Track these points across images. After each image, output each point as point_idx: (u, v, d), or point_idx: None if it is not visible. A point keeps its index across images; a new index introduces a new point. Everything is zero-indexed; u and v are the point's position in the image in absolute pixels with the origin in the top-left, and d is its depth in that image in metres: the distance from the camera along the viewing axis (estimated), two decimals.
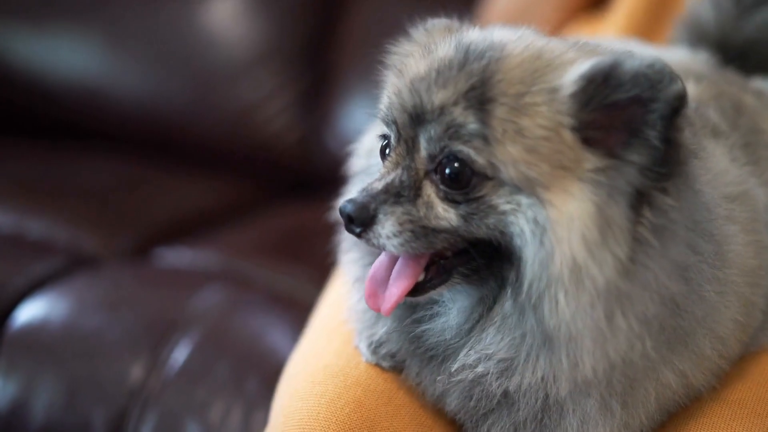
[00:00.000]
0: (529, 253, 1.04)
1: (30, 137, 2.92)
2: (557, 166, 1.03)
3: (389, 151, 1.12)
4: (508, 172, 1.03)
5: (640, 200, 1.03)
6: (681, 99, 0.99)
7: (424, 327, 1.15)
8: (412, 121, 1.08)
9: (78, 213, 2.50)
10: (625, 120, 1.02)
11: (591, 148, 1.03)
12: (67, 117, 2.95)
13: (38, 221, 2.43)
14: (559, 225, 1.02)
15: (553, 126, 1.03)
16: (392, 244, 1.07)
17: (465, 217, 1.06)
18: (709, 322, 1.12)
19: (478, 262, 1.08)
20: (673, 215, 1.03)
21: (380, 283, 1.12)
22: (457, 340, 1.12)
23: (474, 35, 1.11)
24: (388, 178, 1.09)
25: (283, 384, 1.36)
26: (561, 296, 1.02)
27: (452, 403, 1.16)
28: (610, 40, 1.69)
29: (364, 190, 1.09)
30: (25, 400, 1.96)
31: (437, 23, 1.22)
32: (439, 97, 1.06)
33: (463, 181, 1.05)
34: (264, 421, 1.41)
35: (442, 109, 1.06)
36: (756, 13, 1.57)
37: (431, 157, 1.08)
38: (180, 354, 1.95)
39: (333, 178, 2.39)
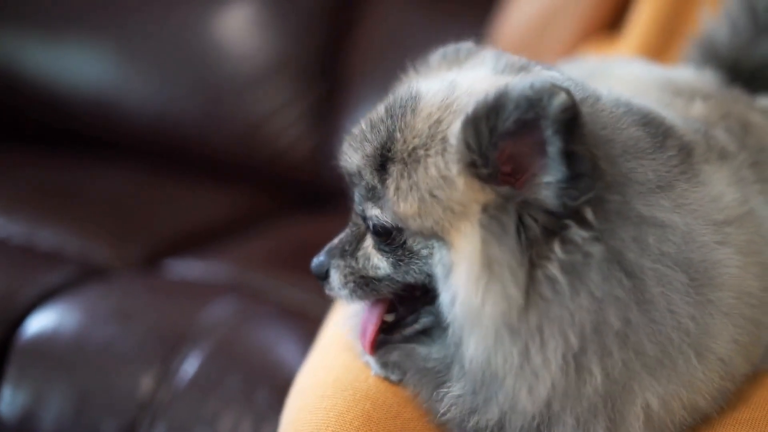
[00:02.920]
0: (442, 295, 1.09)
1: (41, 147, 2.93)
2: (451, 211, 1.06)
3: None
4: (410, 225, 1.09)
5: (552, 235, 1.04)
6: (568, 110, 0.98)
7: (415, 347, 1.20)
8: (350, 181, 1.17)
9: (89, 224, 2.51)
10: (533, 146, 1.02)
11: (502, 184, 1.04)
12: (79, 127, 2.96)
13: (49, 231, 2.43)
14: (457, 266, 1.06)
15: (444, 174, 1.06)
16: (342, 295, 1.19)
17: (395, 265, 1.14)
18: (697, 346, 1.12)
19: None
20: (589, 248, 1.03)
21: (363, 326, 1.22)
22: (441, 372, 1.16)
23: (405, 89, 1.15)
24: (342, 235, 1.21)
25: (292, 397, 1.36)
26: (470, 337, 1.06)
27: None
28: (620, 59, 1.69)
29: (327, 246, 1.21)
30: (35, 411, 1.96)
31: (441, 54, 1.26)
32: (354, 160, 1.14)
33: (385, 234, 1.13)
34: None
35: (359, 172, 1.14)
36: None
37: (361, 217, 1.17)
38: (190, 366, 1.95)
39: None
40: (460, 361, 1.11)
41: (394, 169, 1.09)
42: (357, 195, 1.15)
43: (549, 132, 0.99)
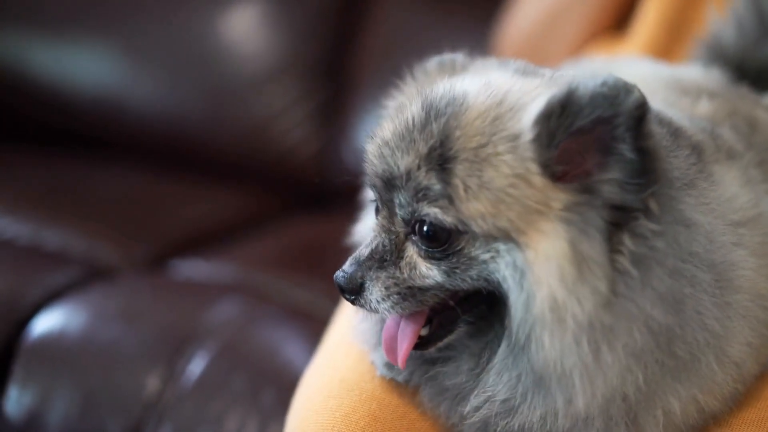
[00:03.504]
0: (513, 296, 1.05)
1: (47, 148, 2.93)
2: (528, 210, 1.04)
3: (377, 214, 1.15)
4: (478, 226, 1.05)
5: (619, 229, 1.03)
6: (641, 107, 0.99)
7: (438, 368, 1.17)
8: (386, 186, 1.11)
9: (95, 224, 2.51)
10: (594, 143, 1.02)
11: (565, 183, 1.04)
12: (85, 128, 2.97)
13: (55, 232, 2.43)
14: (537, 266, 1.03)
15: (519, 173, 1.04)
16: (383, 308, 1.12)
17: (448, 273, 1.09)
18: (717, 349, 1.11)
19: (480, 308, 1.11)
20: (655, 242, 1.03)
21: (392, 340, 1.16)
22: (469, 382, 1.14)
23: (441, 89, 1.12)
24: (373, 244, 1.13)
25: (298, 397, 1.36)
26: (545, 336, 1.04)
27: None
28: (627, 59, 1.69)
29: (353, 258, 1.13)
30: (41, 411, 1.96)
31: (437, 62, 1.24)
32: (403, 163, 1.09)
33: (440, 239, 1.08)
34: None
35: (408, 174, 1.08)
36: None
37: (406, 221, 1.11)
38: (196, 366, 1.95)
39: (350, 191, 2.39)
40: (510, 362, 1.08)
41: (459, 168, 1.05)
42: (401, 198, 1.10)
43: (623, 129, 1.00)
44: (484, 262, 1.07)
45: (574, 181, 1.04)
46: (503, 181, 1.04)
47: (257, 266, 2.33)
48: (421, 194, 1.08)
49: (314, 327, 1.89)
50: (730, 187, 1.20)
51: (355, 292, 1.13)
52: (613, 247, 1.03)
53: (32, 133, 2.99)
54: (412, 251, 1.12)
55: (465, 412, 1.14)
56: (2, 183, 2.72)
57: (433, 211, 1.07)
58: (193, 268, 2.38)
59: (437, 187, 1.06)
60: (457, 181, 1.05)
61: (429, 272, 1.10)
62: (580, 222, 1.03)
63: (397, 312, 1.12)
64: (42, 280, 2.20)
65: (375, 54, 2.84)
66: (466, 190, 1.05)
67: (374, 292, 1.12)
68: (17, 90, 2.98)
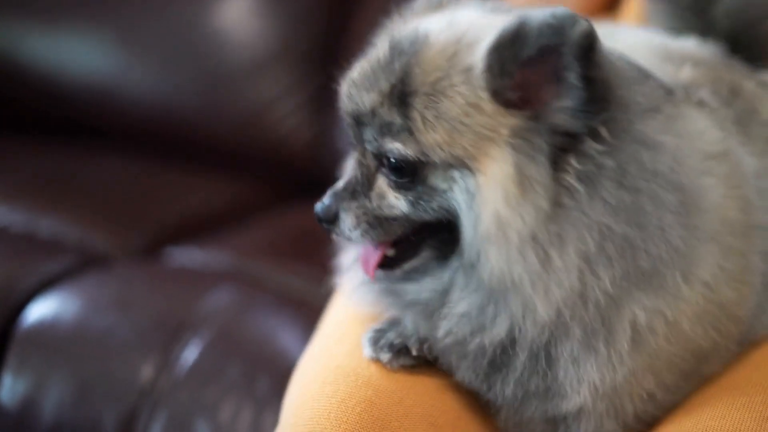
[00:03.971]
0: (464, 218, 1.12)
1: (41, 136, 2.92)
2: (481, 137, 1.09)
3: (353, 150, 1.22)
4: (437, 155, 1.11)
5: (567, 152, 1.08)
6: (588, 36, 1.03)
7: (402, 285, 1.23)
8: (356, 123, 1.18)
9: (89, 212, 2.51)
10: (545, 72, 1.06)
11: (518, 110, 1.09)
12: (79, 116, 2.96)
13: (49, 220, 2.43)
14: (485, 188, 1.09)
15: (471, 101, 1.09)
16: (354, 236, 1.19)
17: (413, 203, 1.15)
18: (682, 266, 1.15)
19: (443, 236, 1.16)
20: (603, 161, 1.08)
21: (366, 258, 1.23)
22: (433, 300, 1.19)
23: (407, 29, 1.17)
24: (348, 177, 1.20)
25: (294, 384, 1.36)
26: (491, 251, 1.10)
27: (459, 371, 1.22)
28: (624, 27, 1.70)
29: (331, 190, 1.21)
30: (36, 399, 1.96)
31: (425, 1, 1.27)
32: (368, 100, 1.15)
33: (405, 171, 1.14)
34: (274, 422, 1.41)
35: (373, 111, 1.14)
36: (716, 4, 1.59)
37: (375, 155, 1.17)
38: (190, 354, 1.95)
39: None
40: (467, 281, 1.14)
41: (418, 102, 1.11)
42: (369, 134, 1.16)
43: (570, 58, 1.04)
44: (444, 191, 1.13)
45: (530, 109, 1.08)
46: (457, 111, 1.10)
47: (251, 254, 2.33)
48: (385, 129, 1.13)
49: (309, 314, 1.90)
50: (699, 122, 1.25)
51: (330, 221, 1.20)
52: (560, 167, 1.08)
53: (26, 121, 2.99)
54: (381, 182, 1.18)
55: (438, 336, 1.19)
56: None
57: (395, 146, 1.13)
58: (187, 256, 2.38)
59: (399, 121, 1.12)
60: (416, 114, 1.11)
61: (397, 202, 1.17)
62: (526, 146, 1.08)
63: (366, 240, 1.20)
64: (36, 267, 2.20)
65: (369, 41, 2.84)
66: (424, 122, 1.11)
67: (347, 220, 1.19)
68: (11, 79, 2.97)
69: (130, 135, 2.93)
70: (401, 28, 1.19)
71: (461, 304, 1.16)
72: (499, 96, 1.09)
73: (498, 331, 1.14)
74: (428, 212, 1.15)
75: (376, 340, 1.27)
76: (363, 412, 1.19)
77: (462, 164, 1.10)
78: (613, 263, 1.11)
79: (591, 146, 1.08)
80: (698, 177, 1.18)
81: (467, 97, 1.09)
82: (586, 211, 1.09)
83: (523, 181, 1.08)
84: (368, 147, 1.17)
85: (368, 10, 2.87)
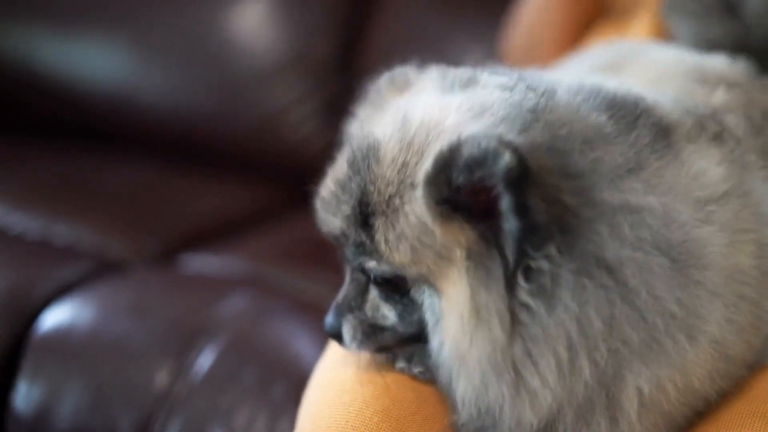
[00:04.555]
0: (432, 339, 1.11)
1: (57, 142, 2.93)
2: (439, 257, 1.07)
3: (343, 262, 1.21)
4: (407, 272, 1.10)
5: (517, 266, 1.05)
6: (512, 169, 0.99)
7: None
8: (336, 242, 1.17)
9: (104, 218, 2.51)
10: (481, 198, 1.03)
11: (470, 225, 1.06)
12: (94, 122, 2.97)
13: (64, 226, 2.44)
14: (446, 313, 1.08)
15: (424, 222, 1.07)
16: (353, 347, 1.20)
17: (401, 315, 1.15)
18: (685, 327, 1.11)
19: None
20: (557, 271, 1.04)
21: None
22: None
23: (362, 137, 1.15)
24: (345, 290, 1.21)
25: (310, 391, 1.36)
26: (459, 381, 1.09)
27: None
28: (653, 45, 1.67)
29: (333, 305, 1.22)
30: (51, 405, 1.96)
31: (388, 79, 1.26)
32: (337, 224, 1.15)
33: (390, 283, 1.14)
34: (290, 428, 1.41)
35: (344, 234, 1.14)
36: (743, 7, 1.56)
37: (361, 270, 1.16)
38: (206, 360, 1.95)
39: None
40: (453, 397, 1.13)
41: (378, 223, 1.10)
42: (348, 252, 1.16)
43: (499, 188, 1.01)
44: (420, 305, 1.12)
45: (478, 224, 1.05)
46: (414, 231, 1.08)
47: (267, 260, 2.33)
48: (360, 249, 1.13)
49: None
50: (698, 163, 1.18)
51: (337, 338, 1.21)
52: (513, 285, 1.05)
53: (42, 127, 3.00)
54: (374, 294, 1.18)
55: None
56: (12, 178, 2.73)
57: (372, 264, 1.12)
58: (202, 262, 2.38)
59: (367, 242, 1.11)
60: (379, 236, 1.10)
61: (388, 313, 1.17)
62: (479, 270, 1.06)
63: (363, 348, 1.20)
64: (52, 274, 2.21)
65: (385, 49, 2.84)
66: (387, 243, 1.10)
67: (346, 333, 1.20)
68: (27, 85, 2.98)
69: (146, 141, 2.93)
70: (358, 135, 1.17)
71: (460, 413, 1.14)
72: (444, 219, 1.06)
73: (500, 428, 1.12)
74: (412, 325, 1.15)
75: (410, 355, 1.25)
76: (380, 421, 1.18)
77: (429, 282, 1.09)
78: (597, 349, 1.08)
79: (540, 264, 1.04)
80: (695, 229, 1.12)
81: (419, 217, 1.07)
82: (548, 324, 1.05)
83: (477, 309, 1.06)
84: (353, 263, 1.17)
85: (384, 17, 2.87)
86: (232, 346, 1.98)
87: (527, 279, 1.05)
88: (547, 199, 1.02)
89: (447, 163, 1.03)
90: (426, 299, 1.11)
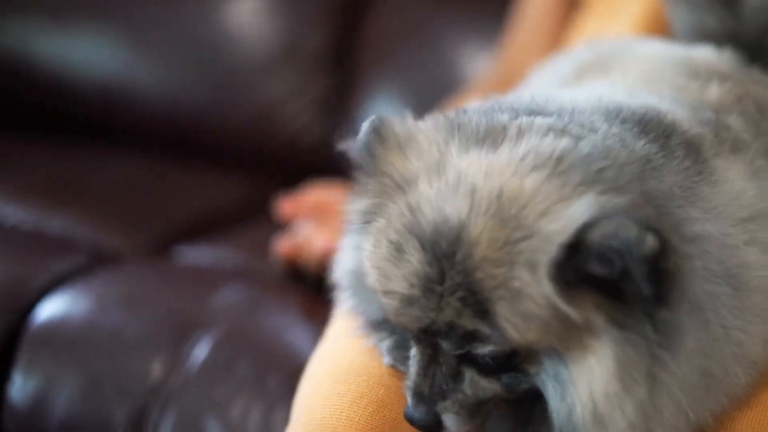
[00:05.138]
0: (554, 405, 1.04)
1: (51, 135, 2.93)
2: (573, 328, 1.01)
3: (415, 344, 1.11)
4: (530, 349, 1.03)
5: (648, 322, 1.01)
6: (656, 256, 0.94)
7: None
8: (425, 333, 1.07)
9: (99, 210, 2.51)
10: (608, 285, 0.98)
11: (599, 300, 1.00)
12: (89, 115, 2.96)
13: (59, 219, 2.44)
14: (580, 382, 1.02)
15: (553, 301, 0.99)
16: (462, 429, 1.10)
17: (507, 385, 1.07)
18: (739, 354, 1.10)
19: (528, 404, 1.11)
20: (681, 318, 1.02)
21: None
22: None
23: (430, 221, 1.03)
24: (423, 377, 1.09)
25: (305, 382, 1.36)
26: None
27: None
28: (637, 40, 1.66)
29: (415, 395, 1.10)
30: (46, 397, 1.96)
31: (376, 139, 1.13)
32: (441, 318, 1.03)
33: (499, 363, 1.06)
34: (285, 420, 1.41)
35: (451, 326, 1.03)
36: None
37: (458, 357, 1.08)
38: (200, 352, 1.95)
39: (353, 179, 2.39)
40: None
41: (499, 308, 1.00)
42: (447, 343, 1.06)
43: (638, 276, 0.95)
44: (533, 375, 1.06)
45: (613, 294, 1.00)
46: (544, 312, 0.99)
47: (261, 251, 2.33)
48: (470, 337, 1.04)
49: (320, 312, 1.89)
50: (735, 182, 1.16)
51: (436, 428, 1.11)
52: (648, 345, 1.01)
53: (36, 120, 2.99)
54: (471, 373, 1.09)
55: None
56: (6, 170, 2.72)
57: (488, 349, 1.04)
58: (197, 254, 2.38)
59: (486, 329, 1.02)
60: (503, 322, 1.00)
61: (491, 386, 1.08)
62: (624, 335, 1.00)
63: (471, 424, 1.11)
64: (46, 266, 2.20)
65: (381, 41, 2.84)
66: (515, 328, 1.00)
67: (452, 419, 1.10)
68: (21, 77, 2.98)
69: (140, 134, 2.93)
70: (421, 221, 1.04)
71: None
72: (578, 296, 0.99)
73: None
74: (520, 389, 1.08)
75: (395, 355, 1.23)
76: (375, 411, 1.19)
77: (551, 351, 1.03)
78: (697, 392, 1.06)
79: (664, 314, 1.00)
80: (743, 252, 1.10)
81: (547, 297, 0.99)
82: (677, 373, 1.02)
83: (623, 374, 1.00)
84: (447, 350, 1.07)
85: (379, 10, 2.87)
86: (227, 337, 1.98)
87: (656, 331, 1.00)
88: (675, 258, 0.98)
89: (574, 251, 0.96)
90: (546, 367, 1.04)
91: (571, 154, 1.03)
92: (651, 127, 1.12)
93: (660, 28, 1.78)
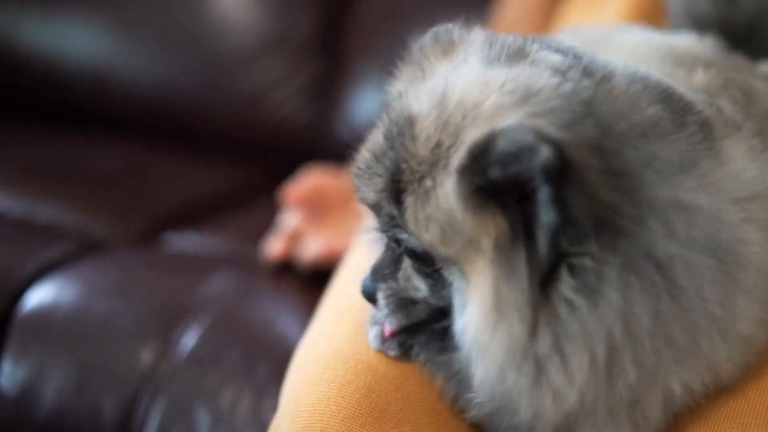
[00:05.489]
0: (457, 323, 1.08)
1: (38, 122, 2.92)
2: (468, 243, 1.04)
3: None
4: (437, 252, 1.08)
5: (558, 261, 1.02)
6: (548, 166, 0.96)
7: (450, 354, 1.18)
8: (371, 210, 1.15)
9: (87, 198, 2.51)
10: (511, 192, 1.01)
11: (497, 220, 1.03)
12: (76, 102, 2.95)
13: (47, 206, 2.43)
14: (470, 302, 1.05)
15: (452, 209, 1.04)
16: (383, 315, 1.19)
17: (432, 288, 1.13)
18: (721, 328, 1.10)
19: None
20: (603, 269, 1.02)
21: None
22: (464, 374, 1.15)
23: (399, 109, 1.11)
24: (380, 257, 1.19)
25: (293, 369, 1.36)
26: (478, 365, 1.07)
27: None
28: (618, 28, 1.66)
29: (369, 268, 1.19)
30: (35, 385, 1.96)
31: (432, 37, 1.20)
32: (371, 195, 1.12)
33: (420, 257, 1.12)
34: (274, 407, 1.41)
35: (378, 205, 1.12)
36: None
37: (394, 240, 1.15)
38: (190, 339, 1.95)
39: (342, 164, 2.39)
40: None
41: (408, 201, 1.07)
42: (382, 222, 1.14)
43: (536, 182, 0.97)
44: (450, 284, 1.10)
45: (511, 215, 1.02)
46: (444, 215, 1.05)
47: (250, 238, 2.33)
48: (393, 221, 1.11)
49: (309, 299, 1.90)
50: (738, 162, 1.17)
51: (371, 300, 1.19)
52: (552, 279, 1.02)
53: (23, 107, 2.98)
54: (407, 264, 1.16)
55: (468, 411, 1.18)
56: None
57: (404, 236, 1.11)
58: (186, 242, 2.38)
59: (399, 217, 1.09)
60: (409, 214, 1.07)
61: (419, 284, 1.14)
62: (504, 262, 1.03)
63: (394, 321, 1.19)
64: (34, 254, 2.20)
65: (368, 26, 2.83)
66: (417, 223, 1.07)
67: (381, 300, 1.18)
68: (7, 63, 2.96)
69: (128, 121, 2.92)
70: (396, 107, 1.12)
71: (478, 393, 1.12)
72: (476, 208, 1.03)
73: (518, 419, 1.10)
74: (443, 300, 1.12)
75: (385, 340, 1.25)
76: (362, 398, 1.19)
77: (458, 265, 1.07)
78: (643, 349, 1.06)
79: (583, 261, 1.02)
80: (738, 228, 1.11)
81: (450, 203, 1.04)
82: (589, 321, 1.03)
83: (499, 301, 1.03)
84: (387, 233, 1.15)
85: None
86: (216, 325, 1.98)
87: (572, 275, 1.02)
88: (586, 194, 0.99)
89: (481, 155, 1.00)
90: (455, 281, 1.08)
91: (547, 90, 1.06)
92: (672, 99, 1.14)
93: (643, 18, 1.79)
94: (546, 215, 0.98)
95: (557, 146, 0.97)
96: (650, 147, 1.06)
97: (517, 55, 1.12)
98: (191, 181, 2.73)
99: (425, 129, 1.07)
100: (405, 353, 1.25)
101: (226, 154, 2.87)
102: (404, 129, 1.09)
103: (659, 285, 1.05)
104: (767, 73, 1.45)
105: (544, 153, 0.96)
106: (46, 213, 2.40)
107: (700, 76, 1.33)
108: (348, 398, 1.20)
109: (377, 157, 1.11)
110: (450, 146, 1.05)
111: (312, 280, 2.08)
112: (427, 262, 1.12)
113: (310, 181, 2.17)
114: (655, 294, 1.05)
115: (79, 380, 1.95)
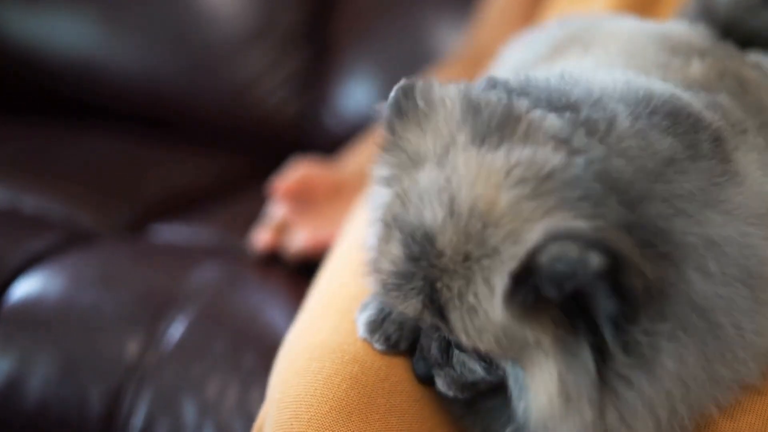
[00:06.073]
0: (515, 403, 1.07)
1: (24, 113, 2.91)
2: (524, 345, 1.02)
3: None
4: (492, 355, 1.08)
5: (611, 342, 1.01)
6: (602, 271, 0.93)
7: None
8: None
9: (73, 189, 2.50)
10: (567, 298, 0.98)
11: (554, 319, 1.01)
12: (63, 92, 2.94)
13: (33, 197, 2.42)
14: (532, 393, 1.04)
15: (506, 323, 1.01)
16: (450, 396, 1.18)
17: (487, 370, 1.12)
18: (751, 350, 1.10)
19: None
20: (656, 340, 1.01)
21: None
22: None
23: (412, 219, 1.05)
24: (427, 346, 1.17)
25: (279, 360, 1.36)
26: None
27: None
28: (610, 17, 1.66)
29: (419, 353, 1.20)
30: (21, 376, 1.95)
31: (397, 112, 1.10)
32: (409, 309, 1.09)
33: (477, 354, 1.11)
34: (261, 398, 1.41)
35: (419, 316, 1.09)
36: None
37: (444, 338, 1.14)
38: (176, 330, 1.94)
39: (330, 154, 2.39)
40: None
41: (454, 317, 1.04)
42: (429, 327, 1.14)
43: (599, 295, 0.95)
44: (504, 369, 1.08)
45: (566, 312, 1.00)
46: (496, 329, 1.02)
47: (237, 229, 2.33)
48: (436, 329, 1.11)
49: (296, 289, 1.89)
50: (754, 176, 1.15)
51: (431, 383, 1.20)
52: (607, 354, 1.00)
53: (8, 97, 2.97)
54: (458, 352, 1.14)
55: None
56: None
57: (453, 339, 1.10)
58: (172, 232, 2.37)
59: (447, 330, 1.07)
60: (458, 330, 1.05)
61: (476, 367, 1.12)
62: (567, 355, 1.01)
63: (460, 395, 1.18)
64: (20, 245, 2.19)
65: (356, 16, 2.83)
66: (468, 336, 1.04)
67: (442, 386, 1.17)
68: None
69: (115, 111, 2.92)
70: (405, 219, 1.06)
71: None
72: (531, 318, 1.00)
73: None
74: (499, 377, 1.10)
75: (373, 330, 1.25)
76: (349, 388, 1.19)
77: (511, 359, 1.06)
78: (699, 399, 1.07)
79: (638, 338, 1.00)
80: (763, 249, 1.09)
81: (503, 319, 1.01)
82: (651, 393, 1.02)
83: (567, 393, 1.01)
84: (434, 335, 1.14)
85: None
86: (203, 316, 1.97)
87: (626, 353, 1.00)
88: (636, 275, 0.95)
89: (526, 276, 0.96)
90: (509, 368, 1.07)
91: (560, 173, 1.00)
92: (680, 119, 1.11)
93: (631, 10, 1.78)
94: (607, 308, 0.95)
95: (600, 245, 0.93)
96: (671, 188, 1.04)
97: (507, 123, 1.06)
98: (178, 171, 2.72)
99: (448, 244, 1.02)
100: (391, 347, 1.24)
101: (214, 145, 2.86)
102: (426, 247, 1.03)
103: (703, 330, 1.04)
104: (756, 62, 1.44)
105: (595, 262, 0.92)
106: (31, 204, 2.39)
107: (696, 66, 1.31)
108: (335, 389, 1.19)
109: (406, 278, 1.06)
110: (480, 257, 1.01)
111: (299, 271, 2.07)
112: (481, 357, 1.11)
113: (298, 172, 2.16)
114: (702, 340, 1.04)
115: (66, 371, 1.94)
